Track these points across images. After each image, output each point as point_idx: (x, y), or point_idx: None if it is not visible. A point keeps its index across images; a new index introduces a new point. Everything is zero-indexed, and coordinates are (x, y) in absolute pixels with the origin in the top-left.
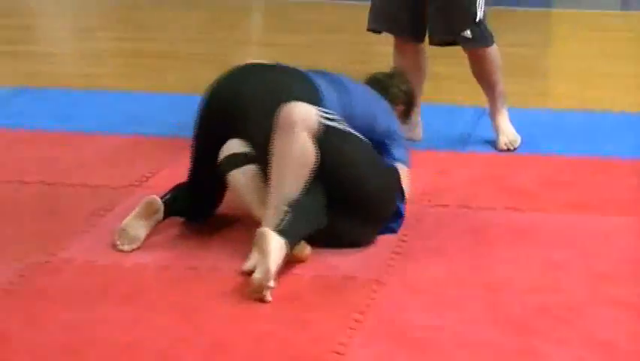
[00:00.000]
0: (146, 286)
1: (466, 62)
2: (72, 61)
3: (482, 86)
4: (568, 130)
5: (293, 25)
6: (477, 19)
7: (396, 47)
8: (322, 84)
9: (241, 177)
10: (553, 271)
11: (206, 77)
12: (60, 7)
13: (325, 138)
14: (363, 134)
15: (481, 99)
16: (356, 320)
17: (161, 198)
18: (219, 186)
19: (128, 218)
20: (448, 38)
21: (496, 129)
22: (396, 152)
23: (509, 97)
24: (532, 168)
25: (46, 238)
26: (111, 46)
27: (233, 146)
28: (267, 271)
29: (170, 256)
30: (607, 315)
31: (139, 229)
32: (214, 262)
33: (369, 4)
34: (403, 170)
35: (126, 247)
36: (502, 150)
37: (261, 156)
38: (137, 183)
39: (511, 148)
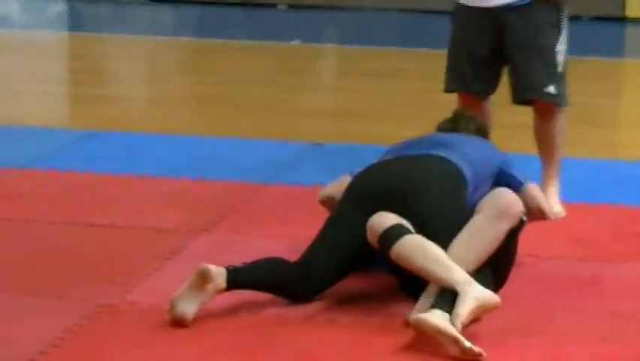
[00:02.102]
0: (210, 330)
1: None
2: (140, 105)
3: (542, 149)
4: (638, 180)
5: (361, 70)
6: (560, 75)
7: (463, 103)
8: (450, 156)
9: (416, 243)
10: (618, 321)
11: (272, 122)
12: (133, 51)
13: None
14: (487, 177)
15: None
16: None
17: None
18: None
19: (180, 291)
20: (532, 95)
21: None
22: (518, 176)
23: (579, 147)
24: (600, 217)
25: (113, 280)
26: (179, 90)
27: (390, 218)
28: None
29: (233, 300)
30: None
31: (188, 305)
32: (278, 308)
33: (433, 51)
34: (536, 187)
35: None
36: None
37: None
38: (204, 227)
39: (553, 219)
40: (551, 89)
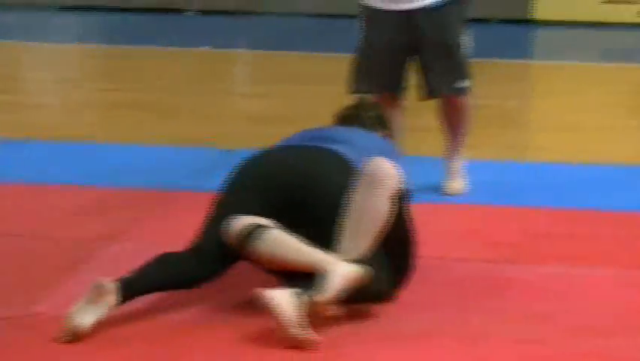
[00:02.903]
0: (126, 339)
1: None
2: (52, 113)
3: (450, 134)
4: (548, 182)
5: (275, 76)
6: (468, 67)
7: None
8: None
9: (275, 237)
10: (532, 323)
11: (187, 129)
12: (43, 58)
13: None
14: None
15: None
16: None
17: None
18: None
19: (76, 305)
20: (449, 92)
21: (447, 175)
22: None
23: (487, 149)
24: (511, 220)
25: (20, 291)
26: (92, 98)
27: (249, 218)
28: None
29: (131, 313)
30: None
31: (84, 317)
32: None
33: (345, 55)
34: None
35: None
36: (446, 195)
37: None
38: (116, 236)
39: (455, 195)
40: (465, 82)
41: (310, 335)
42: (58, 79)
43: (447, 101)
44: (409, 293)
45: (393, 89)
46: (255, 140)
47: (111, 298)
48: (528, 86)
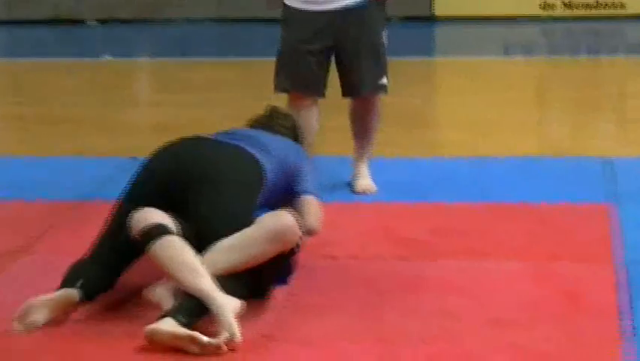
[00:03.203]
0: (34, 354)
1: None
2: None
3: (359, 134)
4: (457, 178)
5: (178, 84)
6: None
7: (294, 103)
8: (261, 157)
9: (170, 247)
10: (446, 319)
11: (91, 139)
12: None
13: None
14: (279, 174)
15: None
16: None
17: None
18: (132, 255)
19: (38, 299)
20: (371, 90)
21: (356, 173)
22: (306, 185)
23: (396, 147)
24: (421, 217)
25: None
26: None
27: (154, 216)
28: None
29: (56, 323)
30: None
31: (39, 315)
32: (100, 325)
33: (250, 60)
34: (312, 202)
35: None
36: (358, 193)
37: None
38: (22, 249)
39: (367, 193)
40: (384, 80)
41: (217, 341)
42: None
43: (362, 101)
44: (319, 293)
45: (314, 90)
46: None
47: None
48: (432, 83)
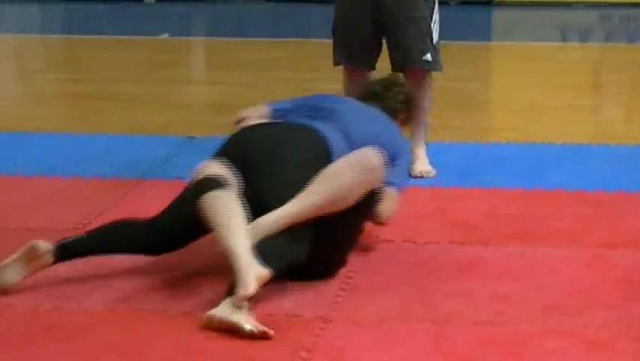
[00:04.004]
0: (90, 329)
1: None
2: (13, 104)
3: (411, 114)
4: (511, 163)
5: (232, 63)
6: (434, 43)
7: (349, 75)
8: (327, 131)
9: (218, 199)
10: (499, 303)
11: (146, 117)
12: (1, 50)
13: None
14: None
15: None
16: (303, 358)
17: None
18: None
19: (5, 261)
20: (412, 64)
21: (414, 158)
22: (392, 176)
23: (451, 131)
24: (475, 201)
25: None
26: (52, 88)
27: (213, 168)
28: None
29: (113, 298)
30: (554, 347)
31: (12, 273)
32: (158, 303)
33: (306, 40)
34: (390, 194)
35: None
36: (415, 177)
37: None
38: (79, 227)
39: (425, 177)
40: (428, 56)
41: (264, 328)
42: (18, 70)
43: (410, 78)
44: (374, 276)
45: (362, 63)
46: (215, 127)
47: (43, 260)
48: (489, 67)
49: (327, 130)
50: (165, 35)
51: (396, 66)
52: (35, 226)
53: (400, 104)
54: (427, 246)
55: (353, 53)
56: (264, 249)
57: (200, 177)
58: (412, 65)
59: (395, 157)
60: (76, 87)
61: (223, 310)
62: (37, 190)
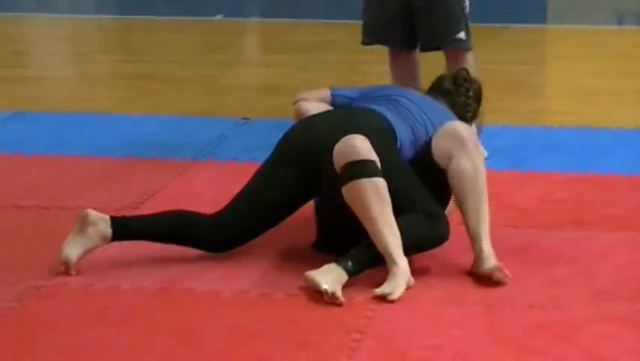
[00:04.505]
0: (143, 310)
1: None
2: (67, 85)
3: None
4: (564, 147)
5: (286, 45)
6: (467, 20)
7: (391, 56)
8: (395, 121)
9: (378, 190)
10: (552, 287)
11: (200, 98)
12: (55, 32)
13: None
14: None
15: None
16: (355, 340)
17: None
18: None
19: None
20: (445, 42)
21: None
22: None
23: (505, 114)
24: (529, 185)
25: (41, 262)
26: (106, 69)
27: (366, 151)
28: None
29: (167, 279)
30: (606, 332)
31: (72, 249)
32: (211, 284)
33: (358, 22)
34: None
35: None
36: None
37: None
38: (132, 206)
39: None
40: (461, 35)
41: (336, 292)
42: (71, 51)
43: (448, 59)
44: (428, 259)
45: (400, 42)
46: (269, 110)
47: (99, 229)
48: (543, 51)
49: (392, 116)
50: (219, 16)
51: (427, 44)
52: (89, 206)
53: (470, 101)
54: None
55: (383, 33)
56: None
57: (358, 157)
58: (444, 44)
59: None
60: (129, 68)
61: (323, 274)
62: (90, 170)
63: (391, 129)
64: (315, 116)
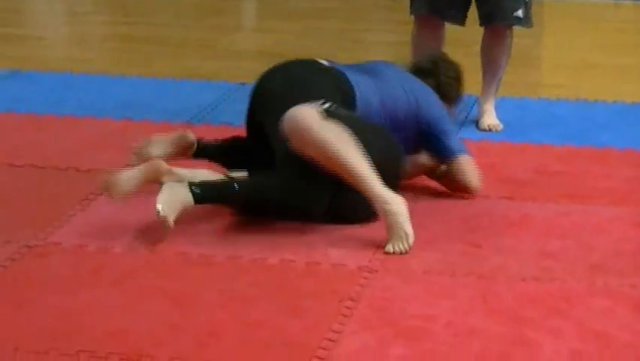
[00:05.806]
0: (136, 272)
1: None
2: (63, 45)
3: (487, 68)
4: (561, 120)
5: (284, 11)
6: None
7: (423, 27)
8: (353, 75)
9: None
10: (546, 260)
11: (196, 63)
12: None
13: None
14: (408, 126)
15: (476, 88)
16: (348, 308)
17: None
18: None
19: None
20: (504, 20)
21: (482, 111)
22: (451, 143)
23: (502, 87)
24: (525, 157)
25: (35, 221)
26: (102, 30)
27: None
28: None
29: (159, 242)
30: (600, 305)
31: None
32: (205, 248)
33: None
34: (466, 160)
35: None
36: (483, 131)
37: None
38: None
39: (493, 131)
40: (520, 12)
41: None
42: (68, 12)
43: (492, 33)
44: (420, 229)
45: (451, 16)
46: None
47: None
48: (541, 24)
49: (356, 77)
50: None
51: (486, 20)
52: (84, 167)
53: (450, 81)
54: (475, 201)
55: (439, 5)
56: None
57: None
58: (503, 21)
59: (437, 126)
60: (126, 30)
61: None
62: (86, 131)
63: (349, 87)
64: (278, 68)
